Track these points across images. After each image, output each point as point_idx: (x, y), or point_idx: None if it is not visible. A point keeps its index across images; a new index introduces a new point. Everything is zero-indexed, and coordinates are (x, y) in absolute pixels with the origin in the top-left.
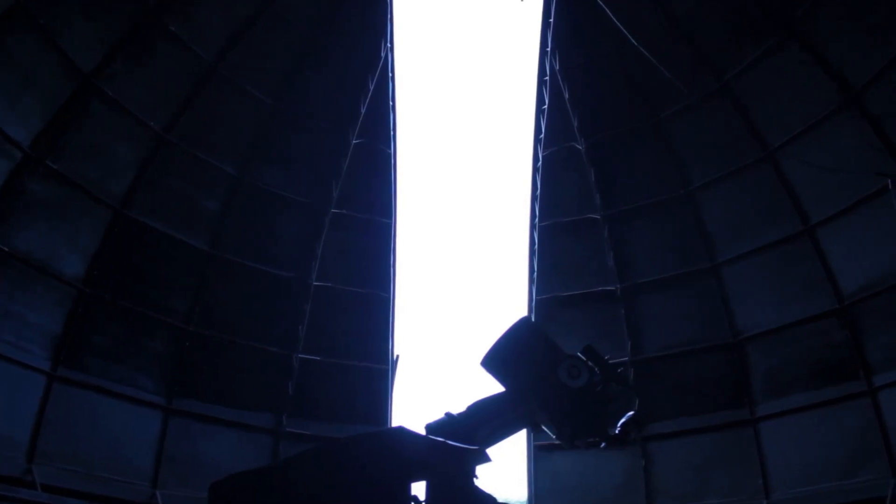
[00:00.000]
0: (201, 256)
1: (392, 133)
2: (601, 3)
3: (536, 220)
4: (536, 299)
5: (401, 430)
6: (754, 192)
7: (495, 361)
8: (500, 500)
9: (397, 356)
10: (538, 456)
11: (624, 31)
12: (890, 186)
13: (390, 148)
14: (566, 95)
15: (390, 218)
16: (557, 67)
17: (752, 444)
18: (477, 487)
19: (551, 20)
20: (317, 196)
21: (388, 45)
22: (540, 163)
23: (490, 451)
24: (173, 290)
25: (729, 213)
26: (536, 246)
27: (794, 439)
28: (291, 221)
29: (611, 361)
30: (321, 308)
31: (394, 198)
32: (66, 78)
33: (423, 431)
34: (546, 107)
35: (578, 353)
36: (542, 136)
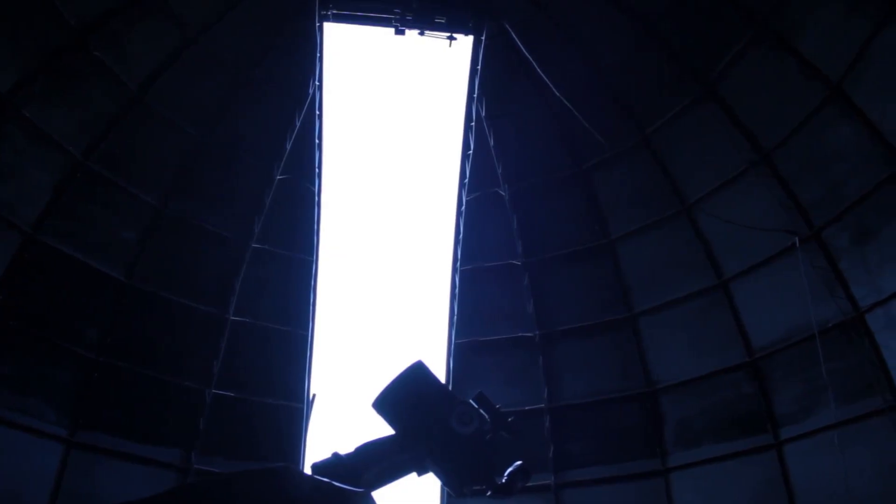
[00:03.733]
0: (116, 286)
1: (317, 171)
2: (527, 53)
3: (458, 263)
4: (455, 343)
5: (286, 468)
6: (672, 245)
7: (386, 404)
8: None
9: (314, 395)
10: (450, 503)
11: (547, 80)
12: (797, 244)
13: (315, 185)
14: (491, 142)
15: (312, 255)
16: (483, 114)
17: (662, 494)
18: None
19: (479, 67)
20: (238, 230)
21: (317, 83)
22: (464, 207)
23: (376, 494)
24: (85, 319)
25: (647, 264)
26: (457, 289)
27: (704, 490)
28: (211, 254)
29: (527, 408)
30: (237, 343)
31: (317, 235)
32: None
33: (310, 471)
34: (471, 152)
35: (471, 401)
36: (467, 180)
